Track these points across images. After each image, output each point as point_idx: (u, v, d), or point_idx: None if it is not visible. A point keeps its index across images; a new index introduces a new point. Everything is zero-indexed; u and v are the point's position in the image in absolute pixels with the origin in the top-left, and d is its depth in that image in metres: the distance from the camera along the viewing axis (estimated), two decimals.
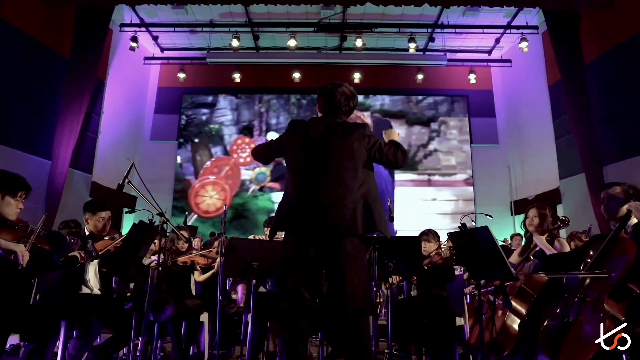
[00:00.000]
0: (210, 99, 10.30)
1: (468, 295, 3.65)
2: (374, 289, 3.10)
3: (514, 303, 2.41)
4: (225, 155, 9.99)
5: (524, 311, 2.40)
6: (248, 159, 9.80)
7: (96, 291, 2.85)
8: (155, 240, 2.90)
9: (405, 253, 2.94)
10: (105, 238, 2.83)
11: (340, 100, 2.32)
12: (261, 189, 9.74)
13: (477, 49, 9.73)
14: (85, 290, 2.81)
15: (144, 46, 9.62)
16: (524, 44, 8.45)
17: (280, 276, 2.48)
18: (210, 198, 9.60)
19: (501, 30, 8.89)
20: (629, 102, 6.59)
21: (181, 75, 9.67)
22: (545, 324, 2.04)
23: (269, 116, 10.17)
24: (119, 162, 9.21)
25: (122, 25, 8.81)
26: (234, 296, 4.99)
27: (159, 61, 10.09)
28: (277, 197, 9.51)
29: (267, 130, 10.11)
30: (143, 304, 2.66)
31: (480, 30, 8.76)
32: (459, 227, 2.33)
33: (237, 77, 9.67)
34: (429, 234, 3.62)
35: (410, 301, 3.60)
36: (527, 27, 8.55)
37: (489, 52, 9.80)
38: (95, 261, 2.74)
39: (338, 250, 2.09)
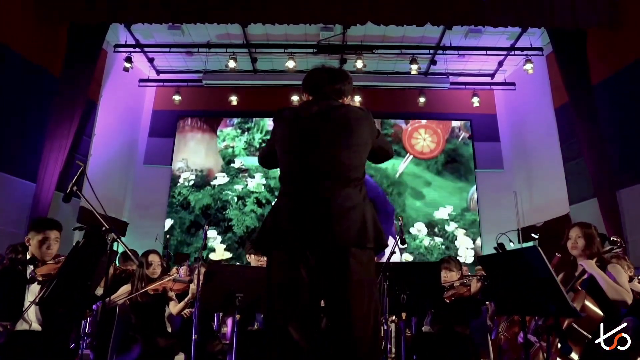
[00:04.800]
0: None
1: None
2: (385, 326, 2.63)
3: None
4: None
5: (576, 357, 1.94)
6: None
7: (36, 326, 2.34)
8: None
9: (422, 282, 2.48)
10: (49, 262, 2.36)
11: (326, 78, 1.91)
12: (470, 137, 9.97)
13: (480, 72, 9.56)
14: (22, 326, 2.29)
15: (139, 68, 9.41)
16: (528, 66, 8.25)
17: (265, 310, 1.98)
18: (424, 140, 9.96)
19: (504, 53, 8.72)
20: None
21: (177, 98, 9.43)
22: None
23: None
24: (111, 186, 8.83)
25: (117, 45, 8.62)
26: (224, 330, 4.47)
27: (154, 83, 9.86)
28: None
29: None
30: (106, 344, 2.20)
31: (484, 52, 8.60)
32: (495, 248, 1.90)
33: (234, 99, 9.43)
34: (451, 262, 3.14)
35: (428, 338, 3.08)
36: (531, 48, 8.39)
37: (492, 75, 9.62)
38: (35, 290, 2.27)
39: (342, 271, 1.60)
